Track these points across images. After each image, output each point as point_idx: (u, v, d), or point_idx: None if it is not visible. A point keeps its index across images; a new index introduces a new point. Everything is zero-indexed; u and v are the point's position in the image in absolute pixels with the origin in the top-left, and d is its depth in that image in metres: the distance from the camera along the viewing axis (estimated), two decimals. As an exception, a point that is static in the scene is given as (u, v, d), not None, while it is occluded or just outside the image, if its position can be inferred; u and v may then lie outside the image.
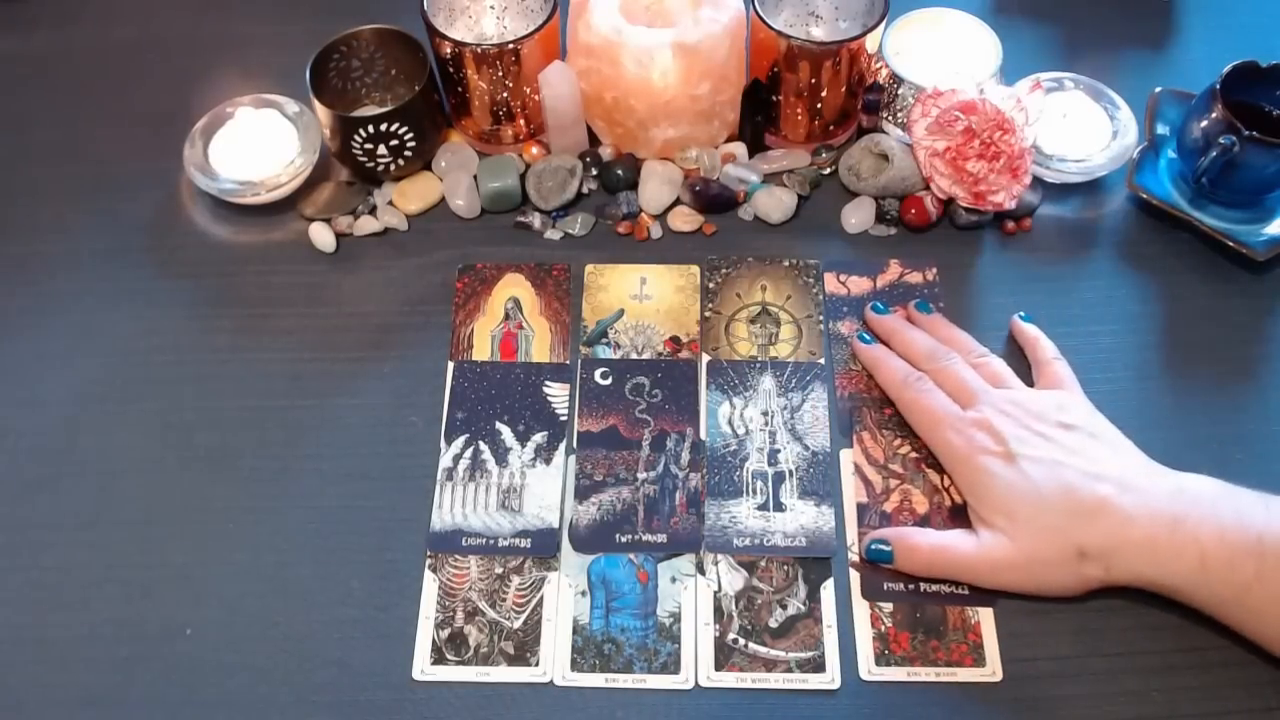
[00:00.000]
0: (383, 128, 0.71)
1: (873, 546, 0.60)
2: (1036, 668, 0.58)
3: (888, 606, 0.60)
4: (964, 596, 0.59)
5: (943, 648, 0.58)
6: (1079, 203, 0.76)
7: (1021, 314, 0.69)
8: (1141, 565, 0.56)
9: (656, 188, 0.75)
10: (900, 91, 0.75)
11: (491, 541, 0.62)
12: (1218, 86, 0.69)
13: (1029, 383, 0.65)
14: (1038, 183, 0.75)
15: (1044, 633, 0.59)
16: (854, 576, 0.61)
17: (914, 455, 0.65)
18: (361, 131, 0.71)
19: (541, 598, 0.61)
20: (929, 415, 0.62)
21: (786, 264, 0.73)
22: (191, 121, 0.76)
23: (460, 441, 0.66)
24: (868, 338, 0.68)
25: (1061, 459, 0.58)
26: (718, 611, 0.60)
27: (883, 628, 0.59)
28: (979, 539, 0.58)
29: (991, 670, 0.57)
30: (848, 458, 0.65)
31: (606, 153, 0.77)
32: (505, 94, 0.74)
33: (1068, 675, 0.57)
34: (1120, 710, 0.56)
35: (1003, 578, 0.58)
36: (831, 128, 0.77)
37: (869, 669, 0.58)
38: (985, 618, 0.59)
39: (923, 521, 0.62)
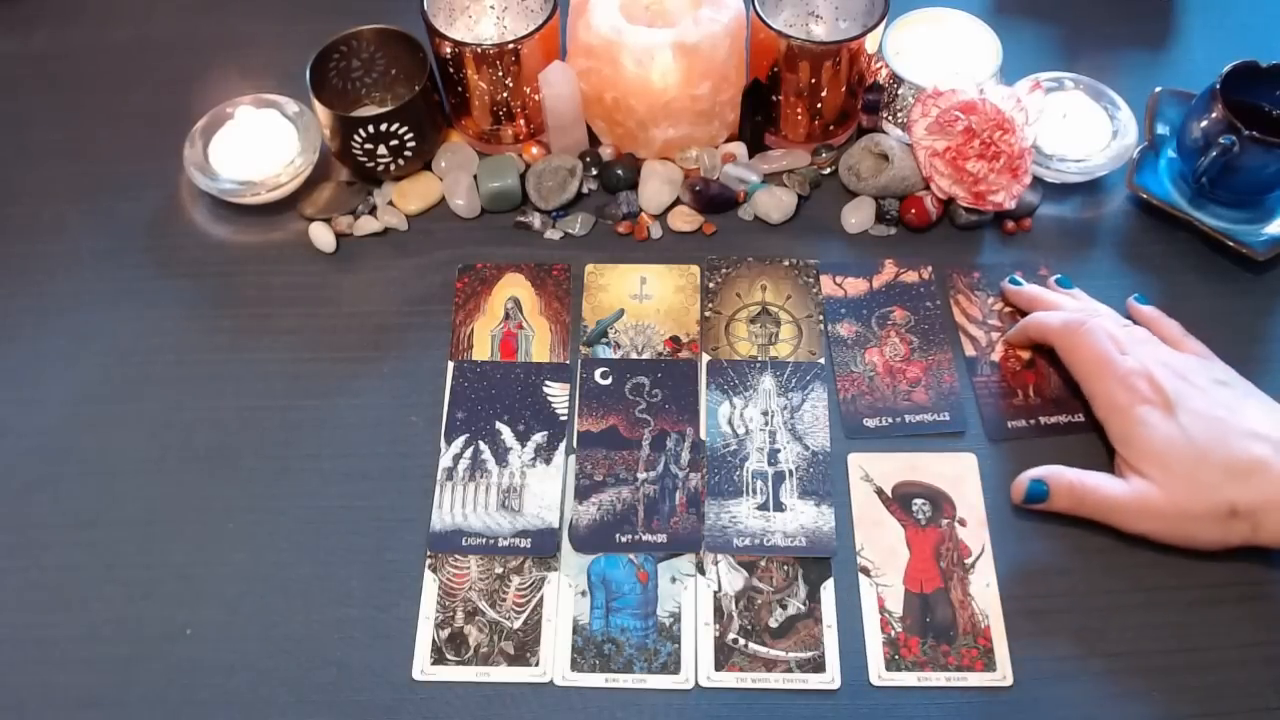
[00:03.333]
0: (383, 128, 0.71)
1: (1031, 486, 0.61)
2: (1041, 669, 0.58)
3: (897, 612, 0.60)
4: (1079, 425, 0.65)
5: (953, 653, 0.58)
6: (1079, 203, 0.76)
7: (1136, 296, 0.69)
8: None
9: (656, 188, 0.75)
10: (900, 91, 0.75)
11: (491, 541, 0.62)
12: (1218, 86, 0.69)
13: None
14: (1038, 183, 0.75)
15: (1045, 633, 0.59)
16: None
17: (1007, 310, 0.70)
18: (361, 131, 0.71)
19: (541, 598, 0.61)
20: (1096, 360, 0.62)
21: (786, 264, 0.73)
22: (191, 121, 0.76)
23: (460, 441, 0.66)
24: (1019, 280, 0.70)
25: (1221, 415, 0.58)
26: (718, 611, 0.60)
27: (892, 633, 0.59)
28: (1129, 484, 0.59)
29: (1002, 675, 0.57)
30: (855, 462, 0.65)
31: (606, 153, 0.77)
32: (505, 94, 0.74)
33: (1070, 676, 0.57)
34: (1123, 709, 0.56)
35: (1147, 525, 0.59)
36: (831, 128, 0.77)
37: (879, 673, 0.58)
38: (995, 622, 0.59)
39: (1029, 365, 0.68)
